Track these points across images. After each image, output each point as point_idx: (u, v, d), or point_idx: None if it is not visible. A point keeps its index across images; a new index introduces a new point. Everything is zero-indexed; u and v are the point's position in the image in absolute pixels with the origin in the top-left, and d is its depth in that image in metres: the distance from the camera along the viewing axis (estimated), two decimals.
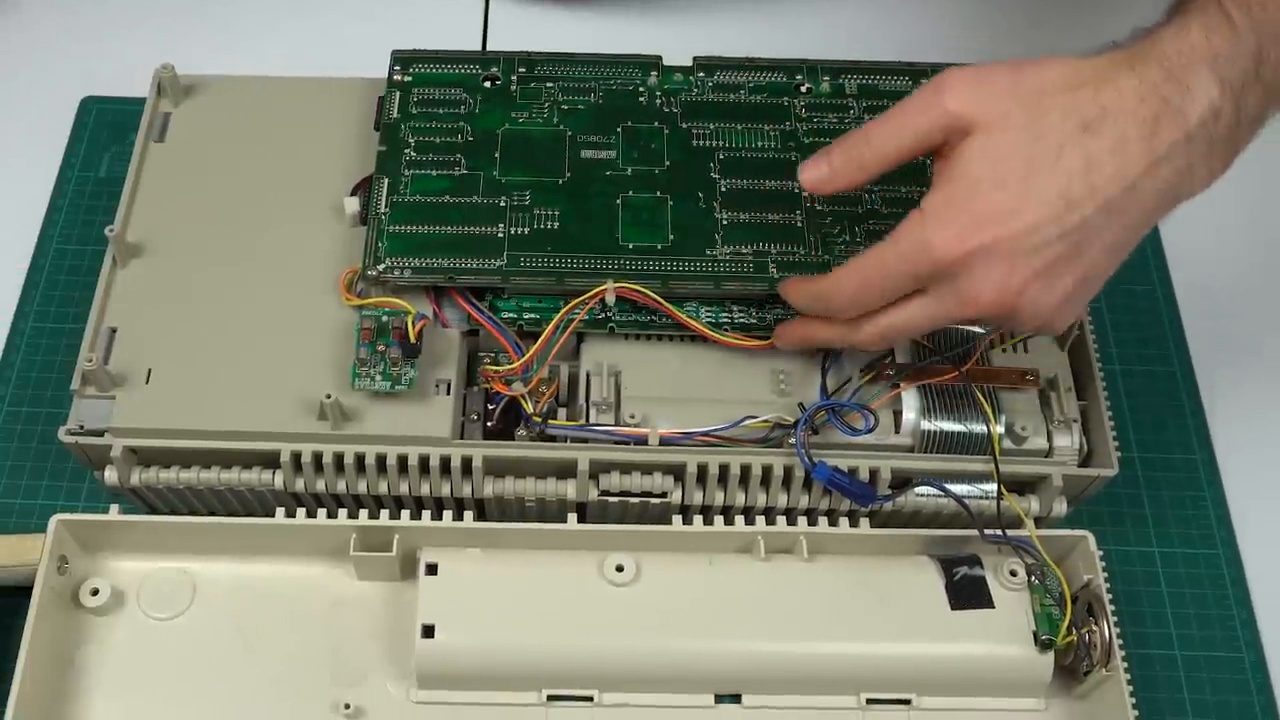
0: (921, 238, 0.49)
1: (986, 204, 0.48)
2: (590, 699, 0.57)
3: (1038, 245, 0.48)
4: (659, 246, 0.60)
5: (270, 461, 0.58)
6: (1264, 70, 0.48)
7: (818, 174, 0.52)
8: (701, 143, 0.64)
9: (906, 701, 0.57)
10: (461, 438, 0.59)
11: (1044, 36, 0.83)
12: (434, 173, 0.62)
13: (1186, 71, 0.48)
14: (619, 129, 0.64)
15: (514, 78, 0.66)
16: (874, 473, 0.58)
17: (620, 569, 0.57)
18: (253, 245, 0.62)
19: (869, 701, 0.57)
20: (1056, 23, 0.84)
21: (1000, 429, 0.58)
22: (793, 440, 0.57)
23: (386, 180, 0.62)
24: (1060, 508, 0.59)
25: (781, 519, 0.59)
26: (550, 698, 0.57)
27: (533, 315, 0.60)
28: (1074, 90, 0.48)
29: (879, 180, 0.62)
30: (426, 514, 0.59)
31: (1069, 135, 0.48)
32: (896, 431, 0.59)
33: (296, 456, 0.57)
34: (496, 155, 0.63)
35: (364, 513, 0.58)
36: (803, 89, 0.66)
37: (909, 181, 0.63)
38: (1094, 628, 0.56)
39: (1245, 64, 0.48)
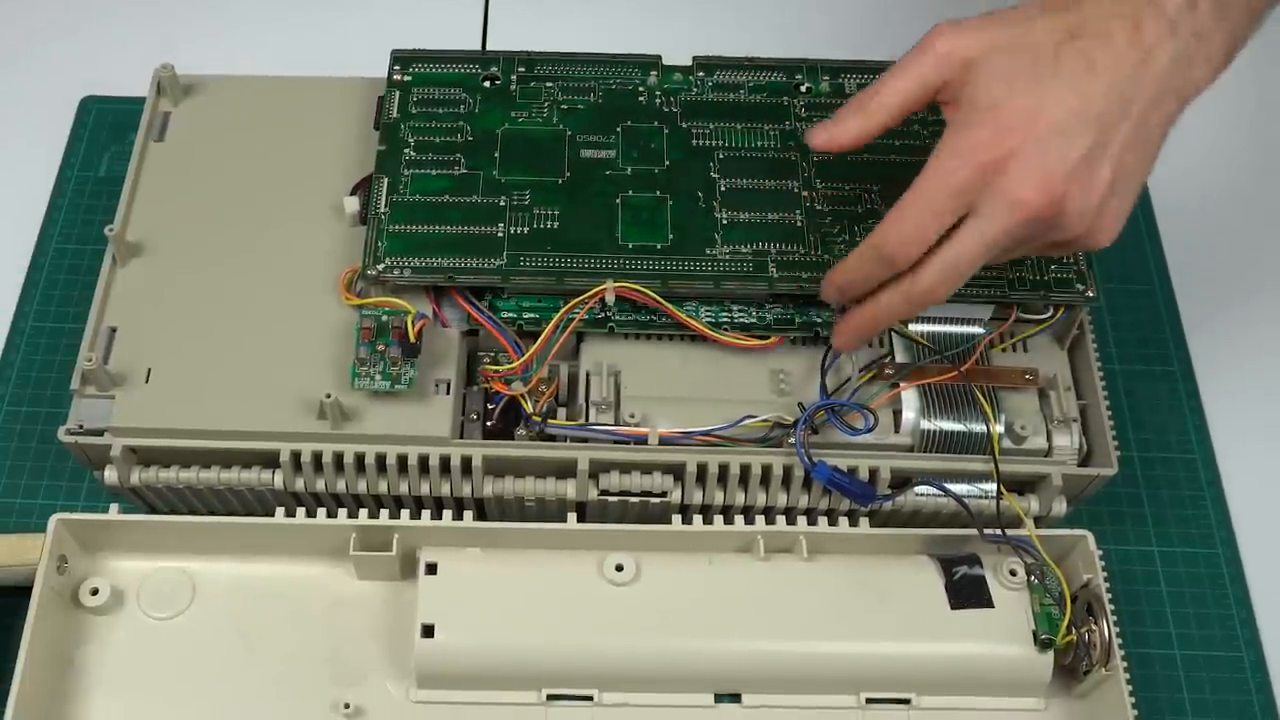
0: (957, 149, 0.50)
1: (1008, 113, 0.50)
2: (590, 698, 0.57)
3: (1068, 137, 0.50)
4: (659, 246, 0.60)
5: (270, 461, 0.58)
6: None
7: (825, 133, 0.54)
8: (701, 142, 0.64)
9: (906, 701, 0.57)
10: (461, 437, 0.59)
11: None
12: (434, 172, 0.62)
13: None
14: (619, 129, 0.64)
15: (514, 77, 0.66)
16: (874, 472, 0.58)
17: (620, 569, 0.57)
18: (252, 245, 0.62)
19: (869, 701, 0.57)
20: None
21: (1000, 429, 0.58)
22: (792, 440, 0.57)
23: (386, 180, 0.62)
24: (1060, 507, 0.59)
25: (781, 519, 0.59)
26: (550, 697, 0.57)
27: (532, 315, 0.60)
28: (1052, 10, 0.51)
29: (879, 180, 0.62)
30: (426, 514, 0.59)
31: (1060, 43, 0.50)
32: (896, 431, 0.59)
33: (296, 456, 0.57)
34: (496, 155, 0.63)
35: (364, 512, 0.58)
36: (803, 89, 0.66)
37: (909, 180, 0.63)
38: (1093, 627, 0.56)
39: None
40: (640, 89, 0.66)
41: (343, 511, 0.58)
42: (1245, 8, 0.51)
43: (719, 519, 0.59)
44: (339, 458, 0.58)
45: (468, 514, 0.58)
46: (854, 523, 0.59)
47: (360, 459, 0.57)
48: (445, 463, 0.58)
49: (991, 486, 0.58)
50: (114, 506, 0.57)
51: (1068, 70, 0.50)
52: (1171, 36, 0.50)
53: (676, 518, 0.58)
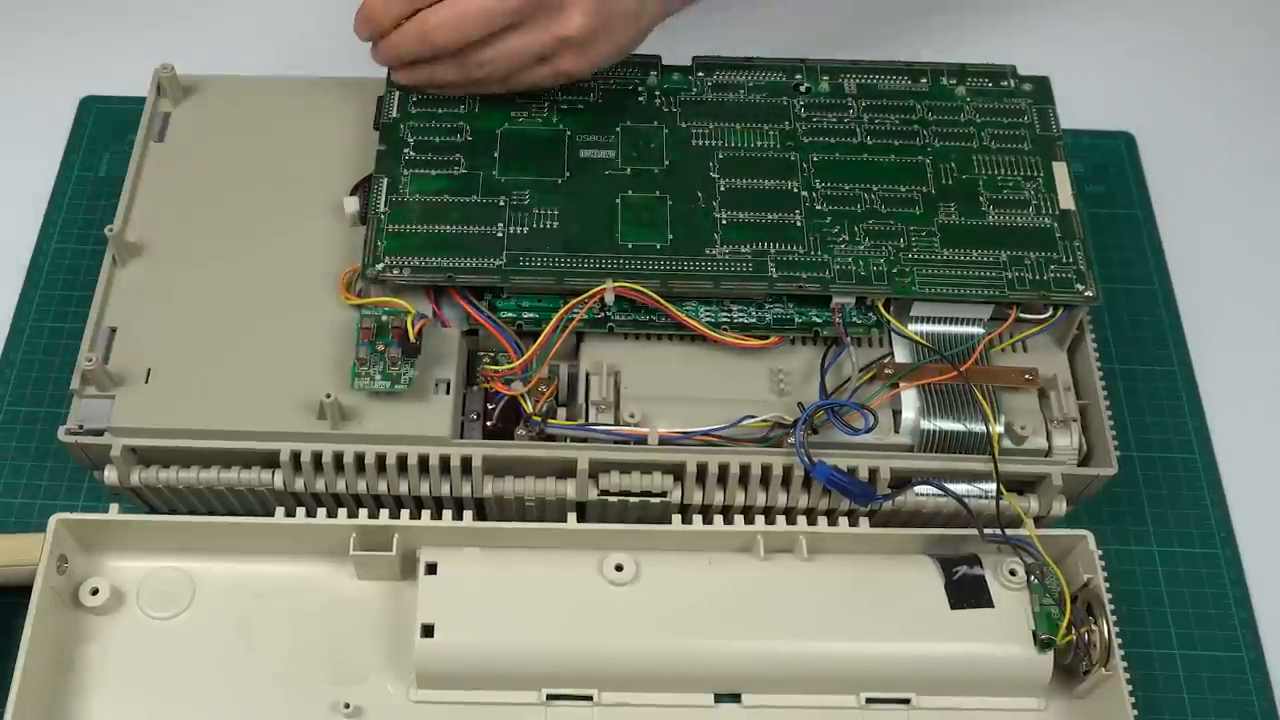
0: None
1: None
2: (590, 698, 0.57)
3: None
4: (658, 246, 0.60)
5: (270, 461, 0.58)
6: None
7: None
8: (700, 142, 0.64)
9: (906, 701, 0.57)
10: (461, 437, 0.59)
11: (1041, 34, 0.83)
12: (433, 172, 0.62)
13: None
14: (618, 128, 0.64)
15: None
16: (873, 472, 0.58)
17: (620, 568, 0.57)
18: (252, 245, 0.63)
19: (868, 701, 0.57)
20: (1052, 20, 0.84)
21: (1000, 428, 0.58)
22: (792, 440, 0.57)
23: (386, 180, 0.62)
24: (1060, 507, 0.59)
25: (781, 518, 0.59)
26: (550, 697, 0.57)
27: (532, 315, 0.60)
28: None
29: (878, 180, 0.62)
30: (426, 513, 0.59)
31: None
32: (896, 431, 0.59)
33: (296, 456, 0.57)
34: (496, 155, 0.63)
35: (363, 512, 0.58)
36: (802, 89, 0.66)
37: (909, 181, 0.63)
38: (1093, 627, 0.56)
39: None
40: (640, 89, 0.66)
41: (343, 511, 0.58)
42: None
43: (719, 519, 0.59)
44: (339, 458, 0.58)
45: (468, 514, 0.58)
46: (854, 523, 0.59)
47: (360, 459, 0.57)
48: (445, 463, 0.58)
49: (991, 486, 0.58)
50: (114, 506, 0.57)
51: None
52: None
53: (676, 518, 0.58)
